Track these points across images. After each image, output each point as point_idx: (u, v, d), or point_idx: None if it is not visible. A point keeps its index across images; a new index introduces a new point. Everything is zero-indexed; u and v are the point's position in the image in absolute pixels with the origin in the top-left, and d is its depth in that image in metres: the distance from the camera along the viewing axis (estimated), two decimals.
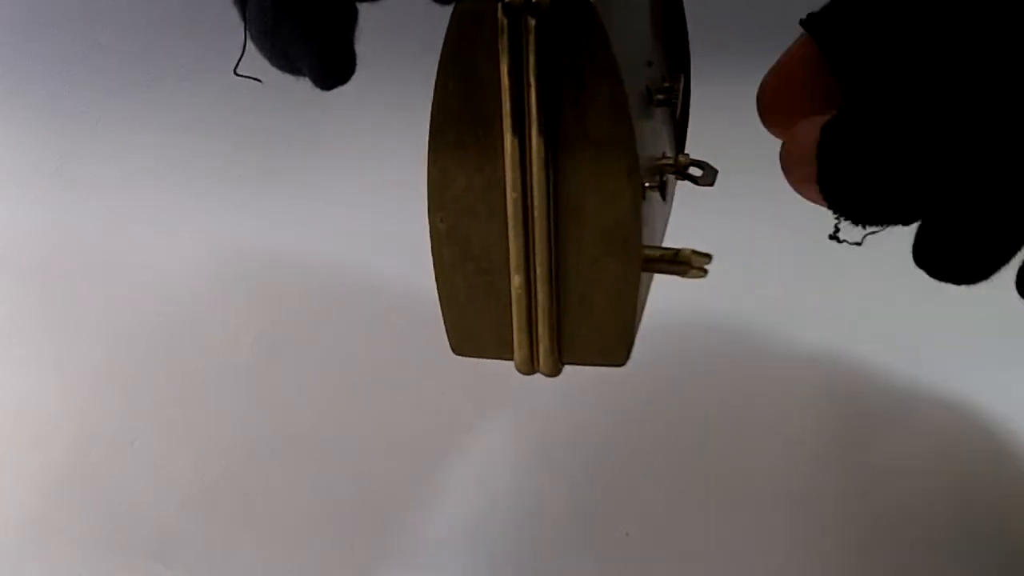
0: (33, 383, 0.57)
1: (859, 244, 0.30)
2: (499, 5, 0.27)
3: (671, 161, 0.34)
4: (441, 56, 0.28)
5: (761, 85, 0.32)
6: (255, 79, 0.34)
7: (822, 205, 0.31)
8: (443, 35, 0.28)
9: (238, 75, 0.35)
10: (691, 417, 0.52)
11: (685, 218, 0.41)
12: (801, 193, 0.31)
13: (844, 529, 0.45)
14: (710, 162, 0.36)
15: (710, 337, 0.56)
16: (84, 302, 0.64)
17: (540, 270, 0.30)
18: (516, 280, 0.30)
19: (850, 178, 0.29)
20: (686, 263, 0.31)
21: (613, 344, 0.31)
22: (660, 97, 0.33)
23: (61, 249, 0.70)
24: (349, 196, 0.71)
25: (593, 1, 0.27)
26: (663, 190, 0.34)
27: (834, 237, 0.32)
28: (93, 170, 0.78)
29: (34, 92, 0.88)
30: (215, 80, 0.79)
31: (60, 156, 0.80)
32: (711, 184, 0.34)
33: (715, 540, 0.46)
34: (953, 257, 0.30)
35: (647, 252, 0.30)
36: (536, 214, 0.29)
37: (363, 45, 0.32)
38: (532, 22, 0.26)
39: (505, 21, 0.27)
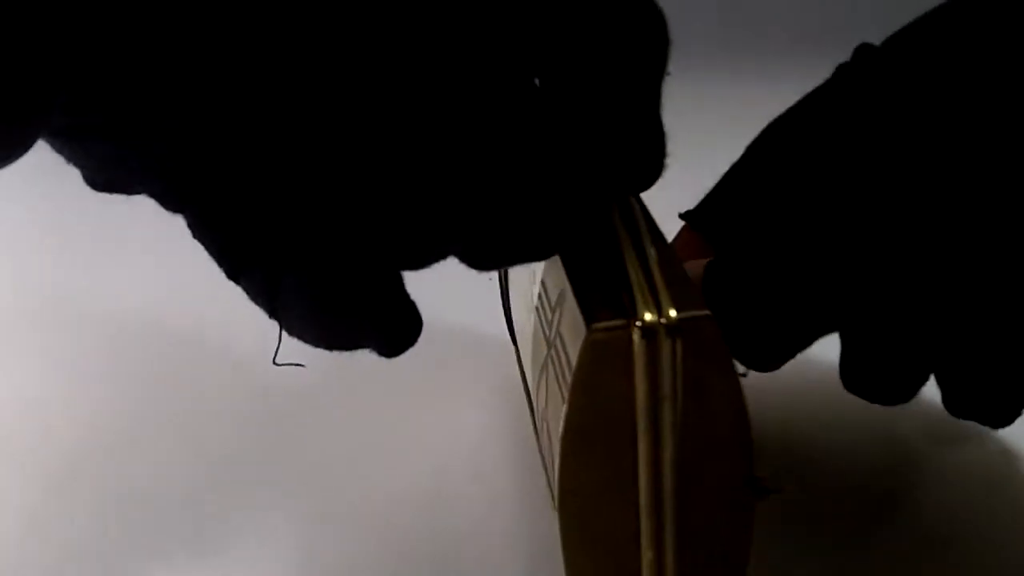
0: (34, 383, 0.57)
1: (744, 375, 0.33)
2: (635, 329, 0.28)
3: None
4: (573, 381, 0.30)
5: None
6: (298, 364, 0.34)
7: None
8: None
9: (278, 364, 0.34)
10: None
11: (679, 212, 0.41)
12: None
13: (845, 530, 0.45)
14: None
15: None
16: (84, 302, 0.64)
17: (669, 540, 0.31)
18: (648, 555, 0.32)
19: (737, 313, 0.32)
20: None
21: None
22: None
23: (61, 249, 0.70)
24: None
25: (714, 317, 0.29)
26: None
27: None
28: None
29: None
30: None
31: (60, 156, 0.80)
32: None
33: None
34: (868, 383, 0.34)
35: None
36: (667, 501, 0.31)
37: None
38: (667, 342, 0.28)
39: (643, 343, 0.28)
